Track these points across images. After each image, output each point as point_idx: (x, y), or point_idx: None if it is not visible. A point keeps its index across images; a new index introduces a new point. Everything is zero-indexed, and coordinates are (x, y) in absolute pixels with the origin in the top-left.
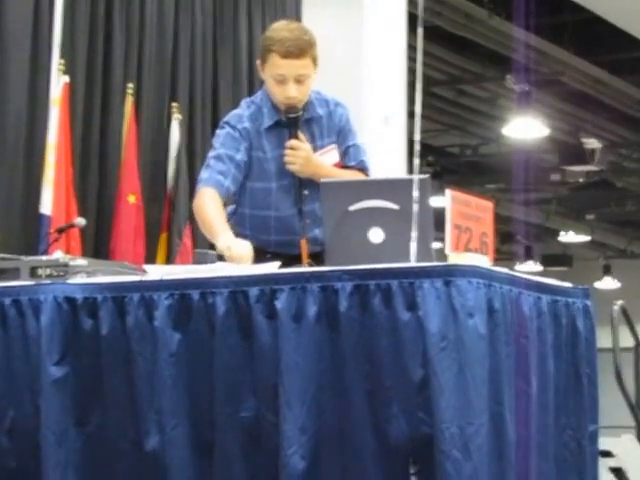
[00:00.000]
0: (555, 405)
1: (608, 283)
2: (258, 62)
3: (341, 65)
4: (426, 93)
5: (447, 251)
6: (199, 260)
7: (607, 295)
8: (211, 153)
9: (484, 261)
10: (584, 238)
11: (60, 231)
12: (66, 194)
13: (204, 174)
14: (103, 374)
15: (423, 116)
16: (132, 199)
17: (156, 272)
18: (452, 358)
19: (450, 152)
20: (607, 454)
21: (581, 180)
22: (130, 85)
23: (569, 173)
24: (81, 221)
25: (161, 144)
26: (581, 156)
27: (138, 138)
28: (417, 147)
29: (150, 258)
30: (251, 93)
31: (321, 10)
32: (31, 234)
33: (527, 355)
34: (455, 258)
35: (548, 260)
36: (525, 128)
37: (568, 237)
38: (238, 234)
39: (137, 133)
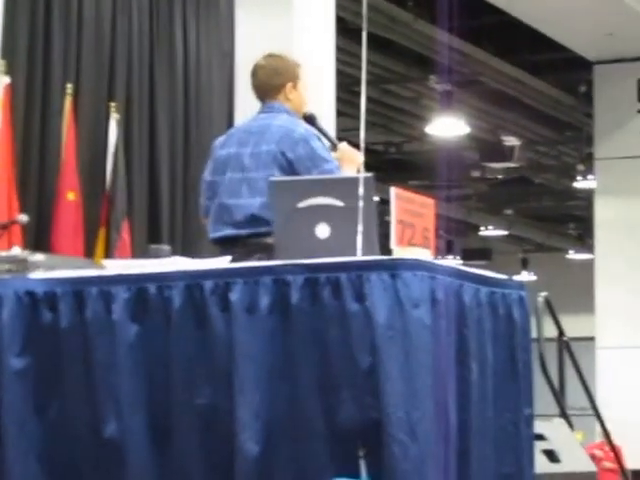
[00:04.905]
0: (494, 390)
1: (524, 276)
2: (290, 84)
3: None
4: (351, 92)
5: (392, 245)
6: (154, 254)
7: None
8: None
9: (427, 255)
10: (502, 232)
11: (3, 228)
12: (8, 192)
13: None
14: (63, 365)
15: (348, 114)
16: (71, 196)
17: (114, 266)
18: (398, 347)
19: (374, 150)
20: (540, 437)
21: (500, 176)
22: (69, 85)
23: (489, 170)
24: (23, 218)
25: (99, 142)
26: (501, 153)
27: (77, 137)
28: (362, 145)
29: (89, 253)
30: (186, 92)
31: (251, 11)
32: None
33: (467, 343)
34: (400, 252)
35: (468, 254)
36: (447, 126)
37: (488, 231)
38: None
39: (76, 132)
